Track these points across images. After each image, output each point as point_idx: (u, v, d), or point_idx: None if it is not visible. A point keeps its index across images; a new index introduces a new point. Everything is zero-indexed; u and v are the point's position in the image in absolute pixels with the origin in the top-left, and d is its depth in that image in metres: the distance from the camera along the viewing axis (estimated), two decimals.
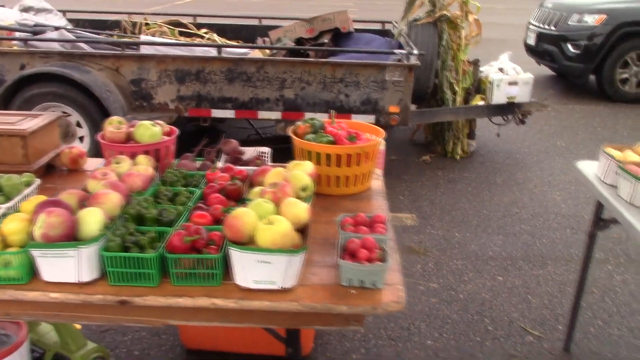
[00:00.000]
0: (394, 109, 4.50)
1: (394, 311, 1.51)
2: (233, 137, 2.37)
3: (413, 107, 5.25)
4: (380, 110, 4.50)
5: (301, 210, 1.60)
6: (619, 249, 3.78)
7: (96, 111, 4.36)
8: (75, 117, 4.43)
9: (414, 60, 4.45)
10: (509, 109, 5.30)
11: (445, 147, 5.44)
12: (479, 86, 5.40)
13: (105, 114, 4.17)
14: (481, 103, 5.27)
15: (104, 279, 1.55)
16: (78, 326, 2.48)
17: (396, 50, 4.60)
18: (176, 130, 2.21)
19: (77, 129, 4.42)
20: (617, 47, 7.41)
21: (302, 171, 1.85)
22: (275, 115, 4.54)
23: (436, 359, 2.72)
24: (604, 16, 7.43)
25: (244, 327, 1.79)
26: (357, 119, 4.53)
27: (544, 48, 8.04)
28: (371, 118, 4.52)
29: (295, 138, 2.12)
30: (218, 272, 1.52)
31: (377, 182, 2.29)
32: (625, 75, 7.52)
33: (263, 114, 4.53)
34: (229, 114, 4.51)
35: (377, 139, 2.15)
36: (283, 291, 1.52)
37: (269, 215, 1.54)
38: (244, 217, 1.51)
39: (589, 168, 2.55)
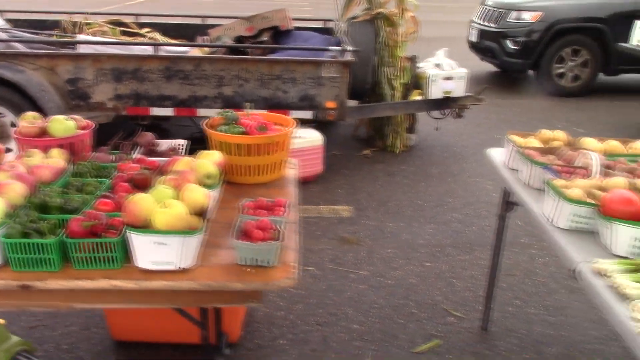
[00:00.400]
0: (330, 104, 4.62)
1: (286, 287, 1.61)
2: (176, 135, 2.42)
3: (354, 103, 5.40)
4: (317, 106, 4.61)
5: (200, 195, 1.69)
6: None
7: (31, 111, 4.32)
8: (10, 117, 4.39)
9: (349, 57, 4.57)
10: (446, 103, 5.49)
11: (385, 141, 5.59)
12: (417, 82, 5.57)
13: (41, 113, 4.14)
14: (419, 98, 5.45)
15: (7, 265, 1.61)
16: (2, 321, 2.49)
17: (331, 47, 4.72)
18: (92, 125, 2.26)
19: (13, 129, 4.38)
20: (553, 43, 7.73)
21: (209, 160, 1.94)
22: (214, 112, 4.58)
23: (360, 341, 2.83)
24: (540, 13, 7.74)
25: (147, 307, 1.87)
26: (295, 115, 4.63)
27: (485, 45, 8.32)
28: (309, 114, 4.62)
29: (208, 129, 2.20)
30: (118, 255, 1.59)
31: (291, 171, 2.39)
32: (561, 70, 7.84)
33: (202, 112, 4.58)
34: (168, 111, 4.55)
35: (286, 130, 2.25)
36: (181, 271, 1.60)
37: (166, 199, 1.62)
38: (140, 201, 1.58)
39: (498, 155, 2.72)
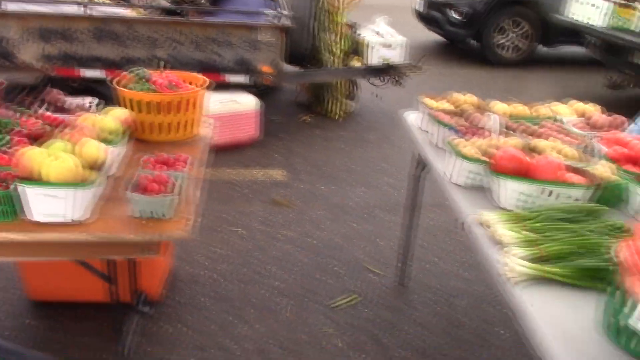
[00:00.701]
0: (266, 69, 4.61)
1: (179, 238, 1.65)
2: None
3: (296, 69, 5.40)
4: (253, 71, 4.60)
5: (94, 149, 1.70)
6: None
7: None
8: None
9: (285, 22, 4.56)
10: (385, 70, 5.54)
11: (325, 107, 5.63)
12: (357, 48, 5.60)
13: None
14: (358, 65, 5.49)
15: None
16: None
17: (267, 11, 4.69)
18: (3, 82, 2.22)
19: None
20: (495, 14, 7.86)
21: (112, 116, 1.94)
22: None
23: (281, 297, 2.92)
24: None
25: (40, 260, 1.88)
26: (231, 79, 4.62)
27: (431, 14, 8.40)
28: (245, 78, 4.61)
29: (116, 87, 2.19)
30: (8, 208, 1.59)
31: (206, 130, 2.41)
32: (502, 41, 8.01)
33: None
34: (98, 73, 4.45)
35: (197, 89, 2.26)
36: (75, 224, 1.62)
37: (59, 152, 1.62)
38: (31, 154, 1.58)
39: (412, 118, 2.80)
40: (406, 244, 3.02)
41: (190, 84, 2.38)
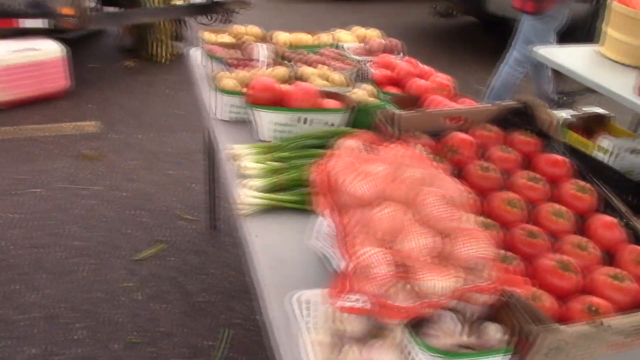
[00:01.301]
0: (67, 10, 4.18)
1: None
2: None
3: (112, 9, 4.97)
4: (50, 13, 4.14)
5: None
6: None
7: None
8: None
9: None
10: (211, 8, 5.29)
11: (150, 51, 5.29)
12: None
13: None
14: (180, 3, 5.17)
15: None
16: None
17: None
18: None
19: None
20: None
21: None
22: None
23: (79, 257, 2.73)
24: None
25: None
26: (27, 24, 4.14)
27: None
28: (43, 22, 4.15)
29: None
30: None
31: None
32: None
33: None
34: None
35: None
36: None
37: None
38: None
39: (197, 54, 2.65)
40: (213, 186, 2.94)
41: None
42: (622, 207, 1.40)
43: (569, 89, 3.03)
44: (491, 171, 1.41)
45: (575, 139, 3.25)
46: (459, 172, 1.44)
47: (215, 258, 2.80)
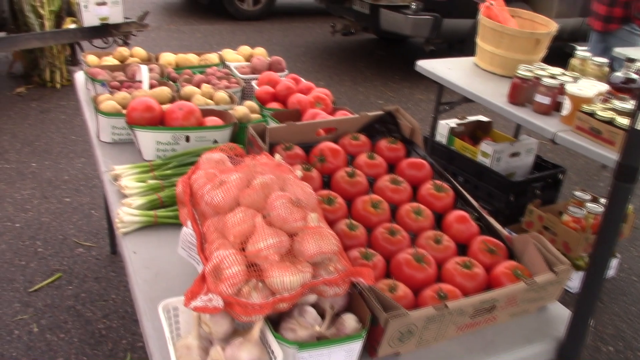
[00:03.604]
0: None
1: None
2: None
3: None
4: None
5: None
6: None
7: None
8: None
9: None
10: (105, 30, 5.19)
11: (43, 76, 5.12)
12: (70, 9, 5.15)
13: None
14: (73, 26, 5.05)
15: None
16: None
17: None
18: None
19: None
20: None
21: None
22: None
23: None
24: None
25: None
26: None
27: None
28: None
29: None
30: None
31: None
32: None
33: None
34: None
35: None
36: None
37: None
38: None
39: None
40: (107, 209, 2.90)
41: None
42: (475, 203, 1.55)
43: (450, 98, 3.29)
44: (357, 177, 1.52)
45: (462, 146, 3.51)
46: (329, 179, 1.55)
47: (116, 283, 2.76)
